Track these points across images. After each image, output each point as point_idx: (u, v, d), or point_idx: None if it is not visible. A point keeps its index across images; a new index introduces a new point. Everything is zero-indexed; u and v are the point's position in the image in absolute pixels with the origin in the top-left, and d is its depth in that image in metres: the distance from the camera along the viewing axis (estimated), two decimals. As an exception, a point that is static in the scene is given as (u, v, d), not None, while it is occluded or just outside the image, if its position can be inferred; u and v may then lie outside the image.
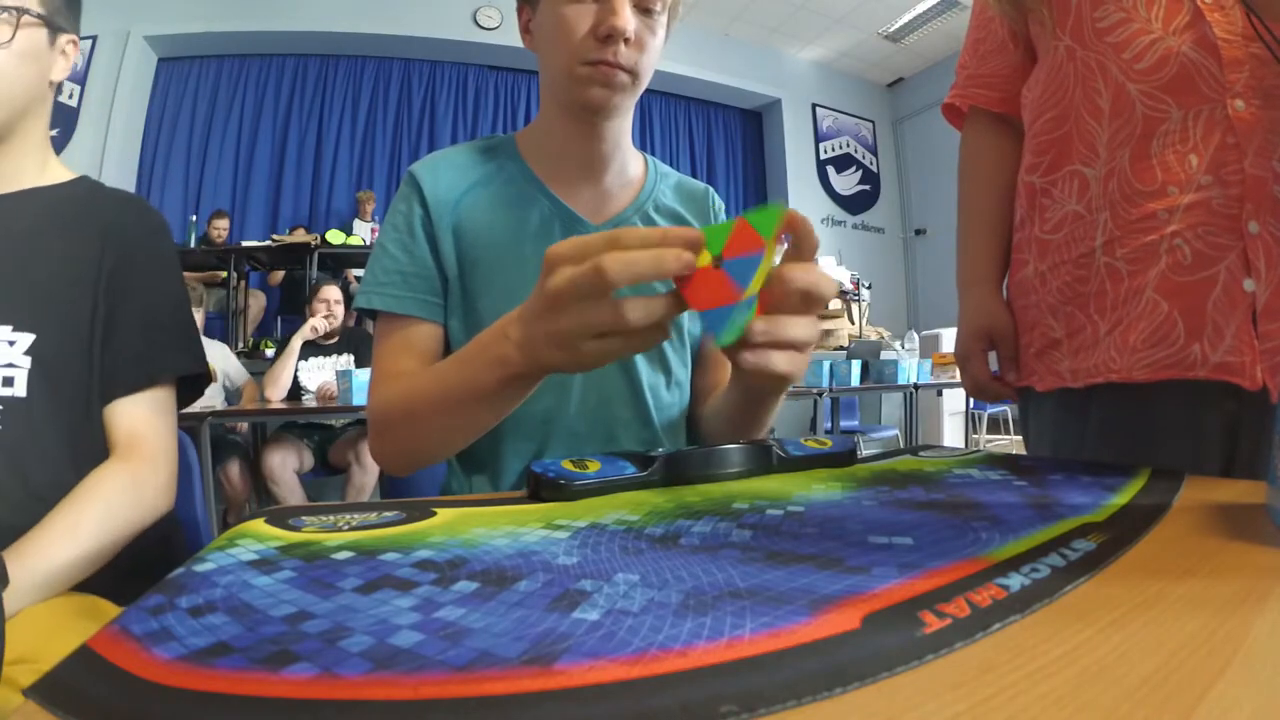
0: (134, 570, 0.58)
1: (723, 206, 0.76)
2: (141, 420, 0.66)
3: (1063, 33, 0.66)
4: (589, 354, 0.38)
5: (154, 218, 0.72)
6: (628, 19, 0.55)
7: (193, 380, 0.73)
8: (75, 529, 0.56)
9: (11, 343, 0.61)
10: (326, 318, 2.58)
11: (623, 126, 0.65)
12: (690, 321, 0.70)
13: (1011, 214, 0.75)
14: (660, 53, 0.60)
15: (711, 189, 0.76)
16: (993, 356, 0.77)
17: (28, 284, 0.63)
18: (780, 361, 0.37)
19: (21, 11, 0.62)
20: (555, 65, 0.59)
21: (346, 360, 2.63)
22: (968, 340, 0.76)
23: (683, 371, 0.70)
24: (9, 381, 0.60)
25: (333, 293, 2.62)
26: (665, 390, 0.67)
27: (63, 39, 0.68)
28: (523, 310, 0.42)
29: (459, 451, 0.60)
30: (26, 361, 0.61)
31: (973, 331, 0.75)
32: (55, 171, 0.71)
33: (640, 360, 0.65)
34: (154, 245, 0.70)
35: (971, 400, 3.49)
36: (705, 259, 0.36)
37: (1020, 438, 0.79)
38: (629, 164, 0.68)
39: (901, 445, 2.42)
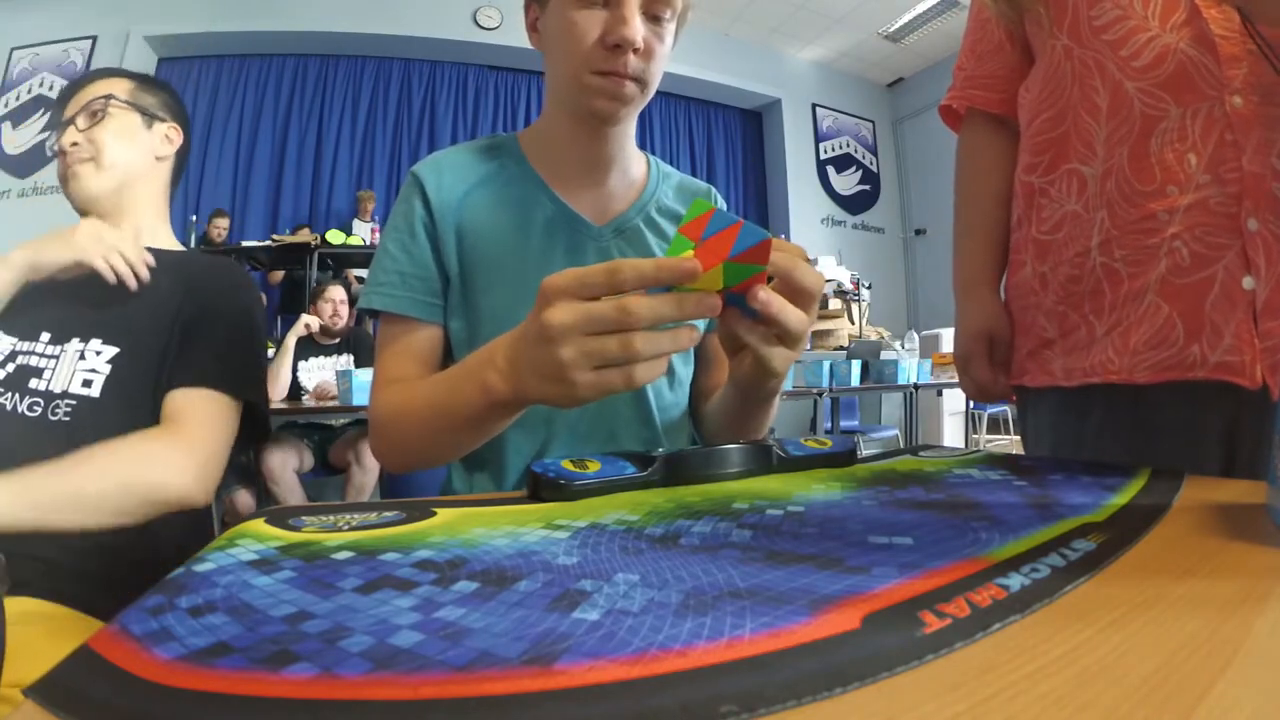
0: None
1: (724, 206, 0.76)
2: (189, 405, 0.70)
3: (1060, 31, 0.65)
4: (583, 386, 0.37)
5: (237, 276, 0.83)
6: (637, 28, 0.54)
7: (260, 423, 0.79)
8: (78, 462, 0.60)
9: (99, 352, 0.72)
10: (333, 317, 2.58)
11: (626, 129, 0.65)
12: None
13: (1009, 215, 0.75)
14: (668, 60, 0.60)
15: (713, 188, 0.76)
16: None
17: (122, 314, 0.74)
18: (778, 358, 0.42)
19: (109, 98, 0.77)
20: (563, 71, 0.58)
21: (346, 360, 2.63)
22: (968, 341, 0.76)
23: (685, 371, 0.70)
24: (88, 384, 0.71)
25: (338, 293, 2.63)
26: (668, 389, 0.67)
27: (161, 126, 0.82)
28: (514, 338, 0.42)
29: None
30: (107, 369, 0.71)
31: (974, 333, 0.75)
32: (166, 242, 0.82)
33: None
34: (232, 296, 0.79)
35: (971, 400, 3.49)
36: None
37: (1020, 438, 0.79)
38: (631, 165, 0.68)
39: (901, 445, 2.42)
